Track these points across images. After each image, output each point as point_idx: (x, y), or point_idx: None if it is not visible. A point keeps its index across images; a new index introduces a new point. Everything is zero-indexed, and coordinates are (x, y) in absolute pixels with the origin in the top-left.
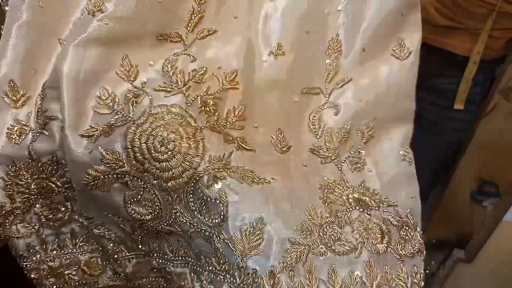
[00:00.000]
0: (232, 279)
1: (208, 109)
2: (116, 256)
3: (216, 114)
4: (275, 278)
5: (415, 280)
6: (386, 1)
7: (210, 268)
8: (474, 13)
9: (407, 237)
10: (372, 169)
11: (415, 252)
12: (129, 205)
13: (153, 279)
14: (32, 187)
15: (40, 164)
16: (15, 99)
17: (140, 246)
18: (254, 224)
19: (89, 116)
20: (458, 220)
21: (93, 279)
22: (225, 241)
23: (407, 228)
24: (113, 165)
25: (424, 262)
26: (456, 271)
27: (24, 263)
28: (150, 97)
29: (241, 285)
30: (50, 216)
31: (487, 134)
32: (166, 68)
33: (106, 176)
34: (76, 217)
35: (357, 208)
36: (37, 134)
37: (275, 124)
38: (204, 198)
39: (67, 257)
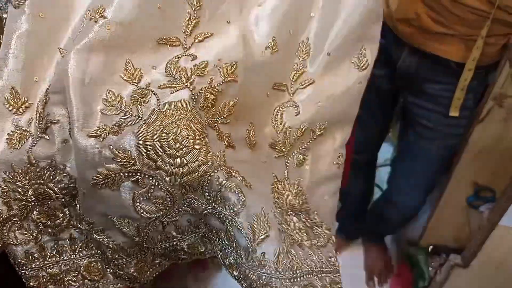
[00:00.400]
0: (237, 256)
1: (207, 104)
2: (115, 262)
3: (213, 108)
4: (279, 261)
5: (331, 263)
6: (355, 12)
7: (220, 240)
8: (466, 20)
9: (317, 233)
10: (309, 165)
11: (326, 242)
12: (138, 204)
13: (157, 265)
14: (29, 193)
15: (38, 170)
16: (16, 106)
17: (144, 245)
18: (264, 213)
19: (96, 117)
20: (455, 225)
21: (94, 284)
22: (238, 228)
23: (316, 227)
24: (125, 163)
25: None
26: (453, 276)
27: (23, 271)
28: (157, 95)
29: (247, 264)
30: (48, 222)
31: (482, 139)
32: (169, 69)
33: (117, 175)
34: (75, 223)
35: (291, 212)
36: (37, 139)
37: (249, 117)
38: (222, 189)
39: (66, 263)
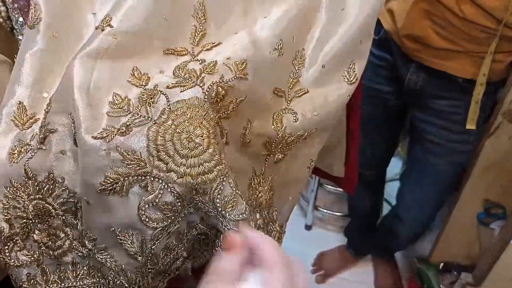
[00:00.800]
0: None
1: (216, 100)
2: None
3: (220, 103)
4: None
5: None
6: (351, 28)
7: (218, 240)
8: (474, 37)
9: (270, 229)
10: (285, 164)
11: (276, 240)
12: (143, 212)
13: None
14: (30, 209)
15: (36, 183)
16: (22, 121)
17: (148, 266)
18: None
19: (102, 120)
20: (465, 242)
21: None
22: None
23: (271, 223)
24: (134, 165)
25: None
26: None
27: None
28: (166, 95)
29: None
30: (49, 243)
31: (492, 155)
32: (178, 72)
33: (126, 179)
34: (77, 245)
35: (257, 209)
36: (36, 151)
37: (248, 114)
38: (234, 192)
39: None
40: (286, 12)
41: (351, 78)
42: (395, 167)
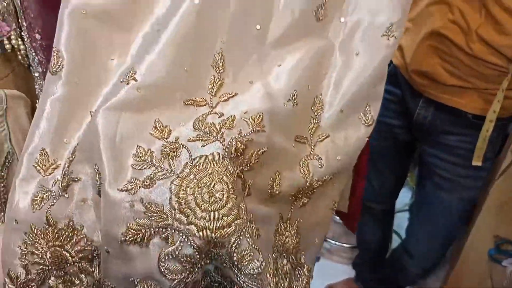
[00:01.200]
0: None
1: (237, 154)
2: None
3: (241, 157)
4: None
5: None
6: (365, 72)
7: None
8: (483, 74)
9: (298, 274)
10: (310, 207)
11: (303, 286)
12: (162, 264)
13: None
14: (47, 256)
15: (56, 231)
16: (45, 167)
17: None
18: (267, 263)
19: (127, 172)
20: (476, 278)
21: None
22: None
23: (299, 268)
24: (156, 218)
25: None
26: None
27: None
28: (188, 149)
29: None
30: None
31: (504, 193)
32: (197, 125)
33: (148, 230)
34: None
35: (284, 255)
36: (57, 198)
37: (276, 166)
38: (251, 247)
39: None
40: (300, 61)
41: (368, 121)
42: (404, 197)
